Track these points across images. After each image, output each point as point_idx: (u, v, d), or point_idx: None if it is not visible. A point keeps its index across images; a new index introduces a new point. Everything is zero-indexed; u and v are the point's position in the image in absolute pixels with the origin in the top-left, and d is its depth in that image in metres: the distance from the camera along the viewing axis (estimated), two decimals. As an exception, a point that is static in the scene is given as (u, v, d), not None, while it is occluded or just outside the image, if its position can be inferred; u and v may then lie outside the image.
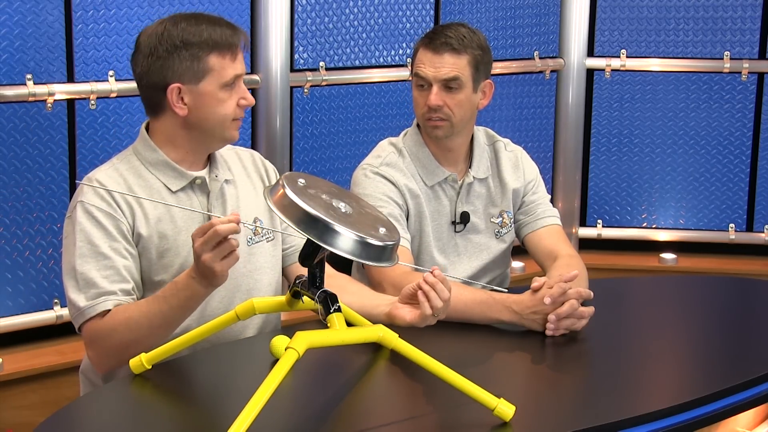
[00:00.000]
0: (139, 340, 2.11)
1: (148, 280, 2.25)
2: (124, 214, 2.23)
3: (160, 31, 2.25)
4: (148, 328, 2.11)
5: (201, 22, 2.26)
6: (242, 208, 2.37)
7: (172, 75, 2.24)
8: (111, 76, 3.15)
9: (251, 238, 2.37)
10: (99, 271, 2.17)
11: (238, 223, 1.96)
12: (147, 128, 2.35)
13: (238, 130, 2.32)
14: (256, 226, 2.38)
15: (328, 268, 2.23)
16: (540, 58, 4.13)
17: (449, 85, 2.59)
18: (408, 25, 3.77)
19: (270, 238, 2.40)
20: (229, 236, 1.97)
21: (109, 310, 2.15)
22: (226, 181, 2.37)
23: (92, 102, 3.13)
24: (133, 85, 3.13)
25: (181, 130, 2.29)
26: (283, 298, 2.01)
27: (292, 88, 3.52)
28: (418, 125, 2.72)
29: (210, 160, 2.37)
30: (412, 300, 2.14)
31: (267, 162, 2.50)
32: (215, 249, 1.98)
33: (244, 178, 2.42)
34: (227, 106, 2.26)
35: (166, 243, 2.26)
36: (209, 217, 2.29)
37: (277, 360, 1.84)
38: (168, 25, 2.26)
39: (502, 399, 1.84)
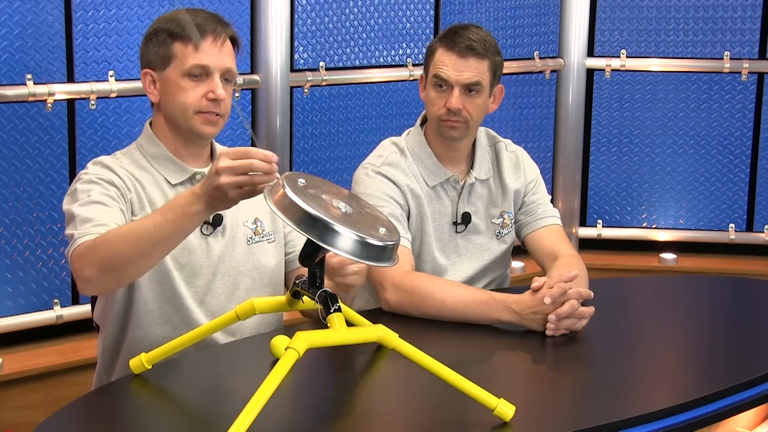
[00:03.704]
0: (124, 251, 2.02)
1: None
2: (127, 187, 2.25)
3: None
4: (137, 240, 2.02)
5: (186, 12, 2.29)
6: (242, 206, 2.36)
7: (146, 61, 2.30)
8: (111, 76, 3.15)
9: (251, 238, 2.37)
10: (96, 212, 2.16)
11: (273, 170, 1.88)
12: (151, 125, 2.37)
13: (211, 125, 2.28)
14: (257, 227, 2.39)
15: None
16: (540, 58, 4.13)
17: (470, 89, 2.59)
18: (408, 25, 3.77)
19: (271, 240, 2.41)
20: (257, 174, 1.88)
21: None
22: None
23: (92, 102, 3.13)
24: (133, 85, 3.17)
25: (163, 119, 2.32)
26: (283, 298, 2.01)
27: (292, 88, 3.52)
28: (421, 125, 2.72)
29: (212, 157, 2.38)
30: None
31: None
32: (239, 177, 1.88)
33: (248, 178, 2.42)
34: (189, 96, 2.25)
35: None
36: None
37: (277, 360, 1.84)
38: (161, 15, 2.32)
39: (502, 399, 1.84)
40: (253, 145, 2.19)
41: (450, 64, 2.59)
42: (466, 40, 2.59)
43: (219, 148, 2.41)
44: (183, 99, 2.26)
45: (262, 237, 2.39)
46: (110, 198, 2.21)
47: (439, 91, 2.62)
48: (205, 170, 2.34)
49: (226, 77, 2.28)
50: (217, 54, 2.26)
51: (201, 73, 2.25)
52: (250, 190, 1.91)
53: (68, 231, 2.18)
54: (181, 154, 2.33)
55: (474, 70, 2.59)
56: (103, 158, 2.32)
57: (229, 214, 2.34)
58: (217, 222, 2.32)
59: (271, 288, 2.40)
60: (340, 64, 3.65)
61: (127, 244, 2.02)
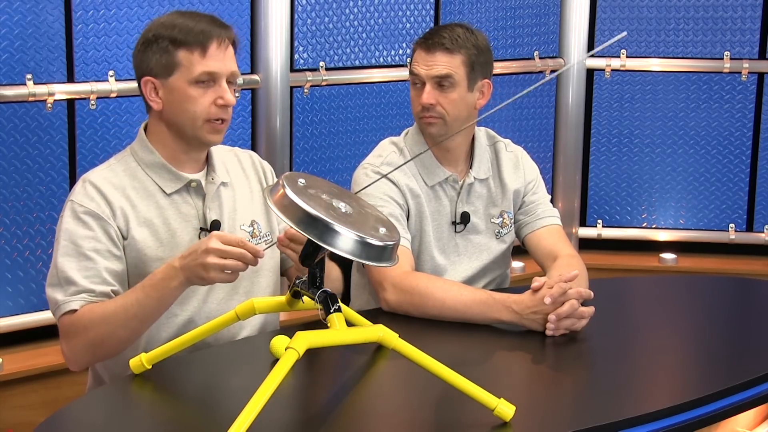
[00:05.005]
0: (114, 332, 2.12)
1: (143, 279, 2.25)
2: (114, 215, 2.23)
3: (147, 26, 2.28)
4: (124, 319, 2.11)
5: (184, 17, 2.26)
6: (239, 210, 2.37)
7: (146, 68, 2.26)
8: (111, 76, 3.15)
9: (249, 241, 2.36)
10: (80, 272, 2.18)
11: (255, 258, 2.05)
12: (146, 129, 2.35)
13: (218, 133, 2.27)
14: (254, 230, 2.39)
15: None
16: (540, 58, 4.13)
17: (441, 83, 2.60)
18: (408, 25, 3.77)
19: (268, 240, 2.40)
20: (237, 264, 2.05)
21: (78, 309, 2.16)
22: (223, 183, 2.36)
23: (92, 102, 3.13)
24: (133, 85, 3.15)
25: (164, 127, 2.29)
26: (283, 298, 2.01)
27: (292, 88, 3.52)
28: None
29: (207, 162, 2.36)
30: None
31: (265, 163, 2.50)
32: (226, 261, 2.03)
33: (242, 180, 2.41)
34: (198, 104, 2.23)
35: (161, 244, 2.26)
36: (205, 219, 2.30)
37: (277, 360, 1.84)
38: (155, 20, 2.28)
39: (502, 399, 1.84)
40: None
41: (421, 60, 2.62)
42: (437, 37, 2.61)
43: (214, 150, 2.39)
44: (193, 108, 2.23)
45: (260, 239, 2.39)
46: (95, 241, 2.20)
47: (416, 89, 2.64)
48: (199, 176, 2.32)
49: (230, 80, 2.27)
50: (222, 59, 2.24)
51: (208, 80, 2.24)
52: (229, 278, 2.05)
53: (51, 289, 2.20)
54: (179, 160, 2.31)
55: (443, 63, 2.59)
56: (94, 174, 2.28)
57: (226, 219, 2.33)
58: (215, 229, 2.31)
59: (270, 289, 2.40)
60: (340, 64, 3.65)
61: (115, 324, 2.13)
